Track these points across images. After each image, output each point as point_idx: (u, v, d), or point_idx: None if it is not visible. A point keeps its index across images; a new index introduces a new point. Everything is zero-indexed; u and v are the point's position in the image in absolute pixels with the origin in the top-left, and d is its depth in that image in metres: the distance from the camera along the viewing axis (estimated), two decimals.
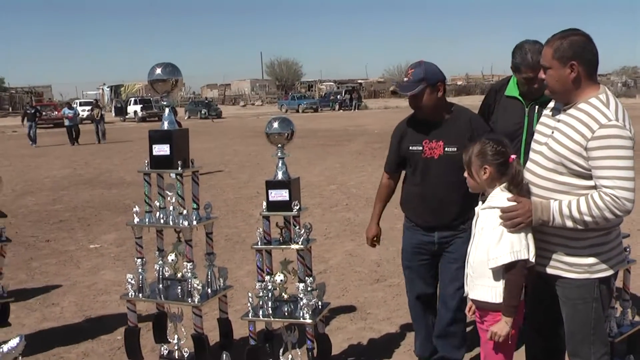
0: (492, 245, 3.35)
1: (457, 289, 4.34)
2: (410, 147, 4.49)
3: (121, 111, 58.33)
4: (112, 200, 13.64)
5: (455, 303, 4.48)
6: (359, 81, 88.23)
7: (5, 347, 3.43)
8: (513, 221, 3.31)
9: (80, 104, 58.46)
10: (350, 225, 9.96)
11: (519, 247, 3.31)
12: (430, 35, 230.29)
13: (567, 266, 3.45)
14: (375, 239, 4.88)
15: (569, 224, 3.30)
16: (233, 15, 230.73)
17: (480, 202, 3.56)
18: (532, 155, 3.58)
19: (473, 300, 3.57)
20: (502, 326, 3.37)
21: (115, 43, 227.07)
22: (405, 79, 4.36)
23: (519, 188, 3.45)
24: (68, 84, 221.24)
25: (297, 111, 61.00)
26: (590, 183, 3.30)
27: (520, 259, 3.31)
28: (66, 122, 32.01)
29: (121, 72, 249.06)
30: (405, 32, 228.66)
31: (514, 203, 3.34)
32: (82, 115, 54.87)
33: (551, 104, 3.65)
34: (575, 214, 3.27)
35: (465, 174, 3.57)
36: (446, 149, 4.36)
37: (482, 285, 3.45)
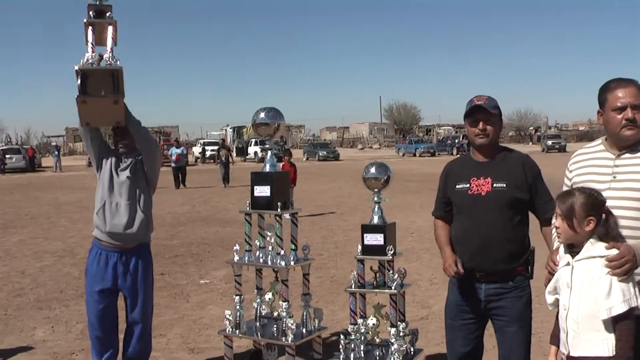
0: (601, 296, 3.23)
1: (522, 354, 4.18)
2: (457, 186, 4.23)
3: (242, 152, 60.22)
4: (226, 238, 14.04)
5: None
6: None
7: None
8: (623, 268, 3.22)
9: (205, 144, 60.93)
10: None
11: (629, 294, 3.22)
12: (550, 79, 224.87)
13: None
14: (456, 263, 4.12)
15: None
16: (353, 60, 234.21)
17: (564, 254, 3.45)
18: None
19: (577, 358, 3.37)
20: None
21: (240, 86, 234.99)
22: (481, 102, 4.14)
23: (616, 238, 3.36)
24: (194, 124, 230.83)
25: (415, 155, 60.94)
26: None
27: (632, 306, 3.21)
28: (172, 164, 28.51)
29: (245, 113, 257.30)
30: (525, 76, 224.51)
31: (617, 250, 3.26)
32: (206, 154, 57.31)
33: (586, 151, 3.78)
34: None
35: (562, 225, 3.41)
36: (495, 185, 4.09)
37: (592, 340, 3.30)
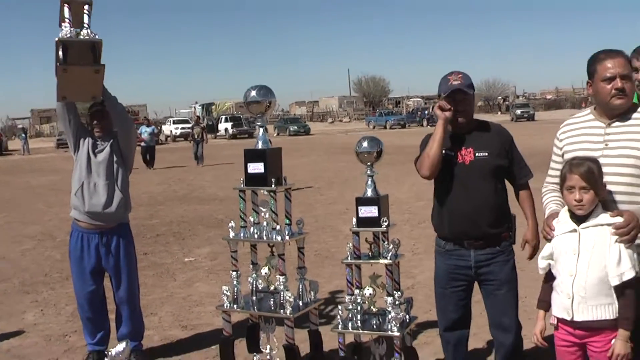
0: (612, 264, 3.38)
1: (513, 315, 4.38)
2: (443, 151, 4.29)
3: (212, 129, 59.99)
4: (206, 216, 14.09)
5: (514, 329, 4.41)
6: None
7: (113, 352, 3.69)
8: (631, 235, 3.38)
9: (174, 122, 60.41)
10: None
11: (634, 260, 3.40)
12: (518, 49, 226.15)
13: None
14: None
15: None
16: (320, 33, 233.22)
17: (566, 220, 3.57)
18: None
19: (580, 323, 3.50)
20: (623, 345, 3.42)
21: (207, 62, 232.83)
22: (457, 82, 4.26)
23: (612, 205, 3.54)
24: (162, 103, 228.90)
25: (385, 127, 61.18)
26: None
27: (637, 271, 3.39)
28: (142, 144, 27.54)
29: (212, 90, 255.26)
30: (493, 46, 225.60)
31: (621, 218, 3.41)
32: (175, 133, 56.83)
33: (574, 121, 3.93)
34: None
35: (586, 196, 3.46)
36: (477, 154, 4.28)
37: (599, 305, 3.45)
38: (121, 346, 3.72)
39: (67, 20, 4.82)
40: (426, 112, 66.24)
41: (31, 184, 23.77)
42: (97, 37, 4.87)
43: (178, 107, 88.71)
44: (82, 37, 4.83)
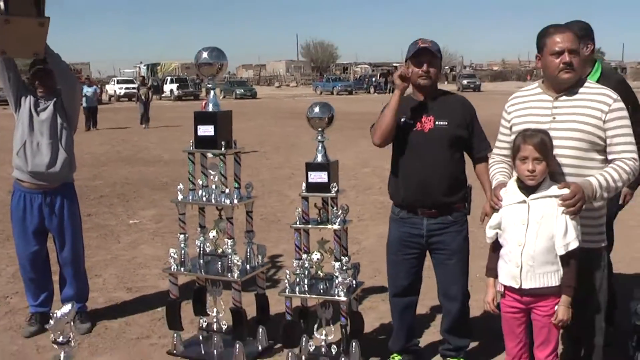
0: (559, 234, 3.50)
1: (461, 285, 4.50)
2: (401, 119, 4.36)
3: (157, 90, 58.97)
4: (151, 178, 13.92)
5: (462, 298, 4.53)
6: (395, 64, 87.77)
7: (58, 313, 3.64)
8: (576, 207, 3.49)
9: (118, 82, 59.16)
10: (384, 209, 9.95)
11: (578, 231, 3.52)
12: (467, 19, 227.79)
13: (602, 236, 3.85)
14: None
15: (605, 194, 3.60)
16: None
17: (514, 191, 3.64)
18: None
19: (528, 290, 3.62)
20: (566, 310, 3.57)
21: (153, 22, 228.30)
22: (426, 45, 4.27)
23: (558, 177, 3.64)
24: (106, 62, 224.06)
25: (332, 93, 61.02)
26: (602, 157, 3.67)
27: (580, 241, 3.52)
28: (83, 103, 24.67)
29: (158, 50, 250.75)
30: (441, 16, 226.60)
31: (568, 190, 3.51)
32: (120, 92, 55.68)
33: (523, 94, 3.99)
34: (612, 184, 3.58)
35: (538, 166, 3.53)
36: (437, 122, 4.31)
37: (546, 273, 3.57)
38: (66, 308, 3.67)
39: None
40: (373, 79, 66.40)
41: None
42: None
43: (122, 67, 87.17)
44: None
